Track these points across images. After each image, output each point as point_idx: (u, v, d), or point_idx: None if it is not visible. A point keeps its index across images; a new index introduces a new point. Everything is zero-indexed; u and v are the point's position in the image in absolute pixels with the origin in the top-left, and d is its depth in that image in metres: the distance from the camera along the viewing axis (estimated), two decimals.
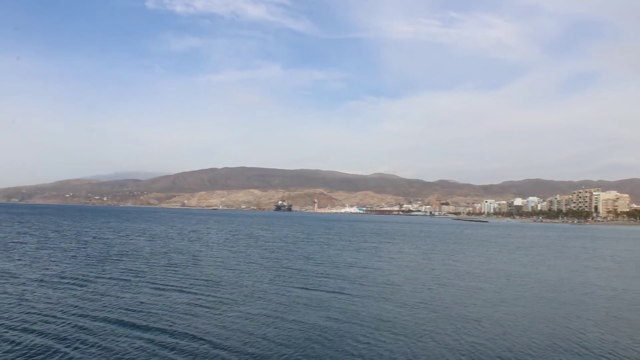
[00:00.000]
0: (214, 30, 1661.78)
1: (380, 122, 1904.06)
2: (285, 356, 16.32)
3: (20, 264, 36.39)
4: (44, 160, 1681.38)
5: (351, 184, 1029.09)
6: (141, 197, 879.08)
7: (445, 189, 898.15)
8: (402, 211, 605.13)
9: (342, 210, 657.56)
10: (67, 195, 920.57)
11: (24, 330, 18.48)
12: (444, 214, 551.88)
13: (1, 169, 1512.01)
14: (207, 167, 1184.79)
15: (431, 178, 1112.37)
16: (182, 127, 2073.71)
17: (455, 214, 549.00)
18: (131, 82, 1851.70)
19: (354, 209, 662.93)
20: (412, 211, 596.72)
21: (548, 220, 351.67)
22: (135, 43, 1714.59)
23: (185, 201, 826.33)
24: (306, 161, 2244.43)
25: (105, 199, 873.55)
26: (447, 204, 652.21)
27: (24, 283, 28.31)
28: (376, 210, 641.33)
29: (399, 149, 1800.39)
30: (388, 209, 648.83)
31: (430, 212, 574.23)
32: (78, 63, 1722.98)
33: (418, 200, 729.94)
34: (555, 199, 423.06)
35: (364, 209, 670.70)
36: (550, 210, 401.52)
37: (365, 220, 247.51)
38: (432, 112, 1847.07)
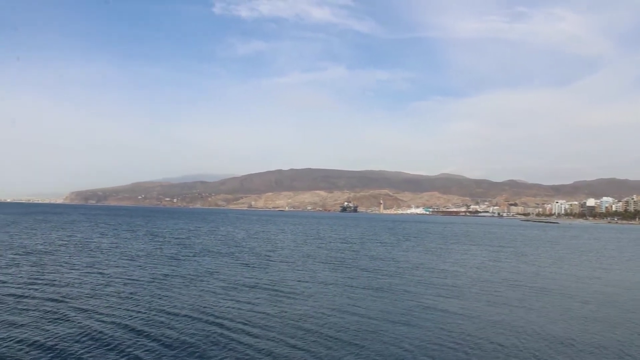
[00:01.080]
0: (278, 34, 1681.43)
1: (446, 121, 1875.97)
2: (354, 354, 17.01)
3: (105, 262, 38.44)
4: (118, 164, 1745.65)
5: (417, 184, 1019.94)
6: (209, 199, 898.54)
7: (514, 189, 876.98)
8: (469, 212, 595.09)
9: (408, 211, 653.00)
10: (140, 197, 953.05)
11: (112, 323, 19.89)
12: (513, 215, 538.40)
13: (79, 172, 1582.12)
14: (274, 169, 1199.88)
15: (499, 178, 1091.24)
16: (248, 130, 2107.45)
17: (524, 215, 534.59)
18: (199, 87, 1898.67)
19: (420, 210, 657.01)
20: (480, 212, 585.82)
21: (624, 221, 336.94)
22: (203, 48, 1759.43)
23: (252, 202, 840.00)
24: (371, 162, 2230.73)
25: (175, 200, 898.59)
26: (515, 204, 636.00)
27: (110, 279, 30.05)
28: (442, 211, 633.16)
29: (465, 149, 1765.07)
30: (454, 210, 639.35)
31: (498, 213, 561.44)
32: (148, 69, 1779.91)
33: (485, 201, 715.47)
34: (632, 199, 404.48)
35: (430, 210, 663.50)
36: (626, 211, 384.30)
37: (431, 222, 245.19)
38: (500, 111, 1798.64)
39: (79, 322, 19.64)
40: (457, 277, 36.53)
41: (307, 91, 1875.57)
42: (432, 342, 18.30)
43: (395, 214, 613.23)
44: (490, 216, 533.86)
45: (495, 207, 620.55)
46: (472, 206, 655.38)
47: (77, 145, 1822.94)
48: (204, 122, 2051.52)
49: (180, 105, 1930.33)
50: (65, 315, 20.76)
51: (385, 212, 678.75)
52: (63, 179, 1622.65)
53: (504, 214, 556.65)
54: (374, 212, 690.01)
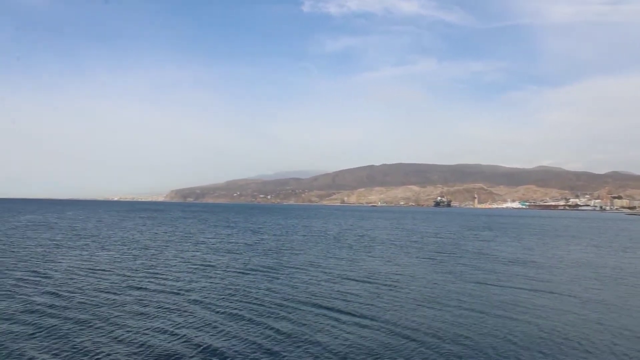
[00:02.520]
0: (367, 29, 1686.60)
1: (542, 112, 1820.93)
2: (452, 343, 17.72)
3: (212, 256, 40.37)
4: (214, 162, 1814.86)
5: (512, 178, 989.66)
6: (303, 195, 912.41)
7: (618, 181, 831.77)
8: (569, 206, 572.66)
9: (504, 206, 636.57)
10: (235, 194, 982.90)
11: (228, 313, 21.37)
12: (617, 209, 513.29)
13: (178, 171, 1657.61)
14: (366, 165, 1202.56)
15: (601, 170, 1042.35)
16: (340, 126, 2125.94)
17: (629, 208, 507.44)
18: (290, 85, 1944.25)
19: (516, 204, 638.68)
20: (580, 206, 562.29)
21: None
22: (293, 46, 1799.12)
23: (345, 198, 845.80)
24: (465, 155, 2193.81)
25: (269, 197, 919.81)
26: (619, 197, 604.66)
27: (221, 272, 31.78)
28: (540, 205, 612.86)
29: (563, 140, 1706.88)
30: (553, 203, 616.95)
31: (601, 207, 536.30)
32: (242, 69, 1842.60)
33: (586, 194, 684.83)
34: None
35: (527, 204, 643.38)
36: None
37: (528, 216, 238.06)
38: (601, 98, 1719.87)
39: (198, 312, 21.36)
40: (555, 273, 35.94)
41: (397, 85, 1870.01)
42: (519, 338, 18.58)
43: (490, 208, 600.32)
44: (591, 210, 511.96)
45: (597, 201, 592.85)
46: (571, 200, 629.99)
47: (175, 145, 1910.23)
48: (296, 120, 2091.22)
49: (272, 103, 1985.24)
50: (184, 305, 22.63)
51: (479, 206, 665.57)
52: (163, 178, 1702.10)
53: (607, 208, 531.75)
54: (467, 206, 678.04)
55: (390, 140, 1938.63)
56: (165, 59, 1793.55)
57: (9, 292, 24.75)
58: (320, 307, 22.73)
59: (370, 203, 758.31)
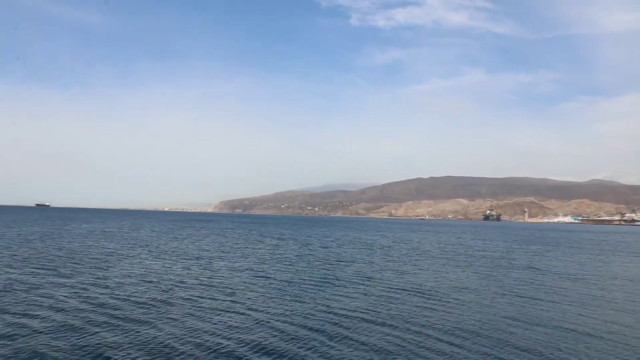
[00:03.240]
0: (415, 41, 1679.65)
1: (596, 123, 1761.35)
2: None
3: (266, 267, 41.38)
4: (263, 174, 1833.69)
5: (564, 191, 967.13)
6: (350, 208, 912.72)
7: None
8: (624, 221, 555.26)
9: (555, 220, 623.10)
10: (283, 206, 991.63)
11: (289, 323, 22.21)
12: None
13: (227, 183, 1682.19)
14: (414, 177, 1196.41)
15: None
16: (387, 138, 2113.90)
17: None
18: (338, 97, 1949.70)
19: (568, 219, 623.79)
20: (637, 221, 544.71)
21: None
22: (341, 59, 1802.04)
23: (393, 211, 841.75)
24: (515, 168, 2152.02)
25: (317, 209, 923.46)
26: None
27: (276, 282, 32.82)
28: (593, 220, 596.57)
29: (619, 152, 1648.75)
30: (607, 218, 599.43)
31: None
32: (289, 82, 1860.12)
33: None
34: None
35: (579, 218, 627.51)
36: None
37: (581, 231, 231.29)
38: None
39: (255, 321, 22.26)
40: (609, 289, 35.75)
41: (446, 97, 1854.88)
42: (568, 354, 18.79)
43: (541, 222, 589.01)
44: None
45: None
46: (627, 214, 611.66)
47: (224, 157, 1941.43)
48: (343, 132, 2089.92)
49: (321, 116, 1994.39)
50: (238, 314, 23.63)
51: (530, 220, 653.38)
52: (212, 189, 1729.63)
53: None
54: (518, 220, 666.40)
55: (438, 152, 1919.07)
56: (213, 71, 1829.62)
57: (78, 294, 26.28)
58: (374, 317, 23.35)
59: (418, 216, 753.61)
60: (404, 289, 31.89)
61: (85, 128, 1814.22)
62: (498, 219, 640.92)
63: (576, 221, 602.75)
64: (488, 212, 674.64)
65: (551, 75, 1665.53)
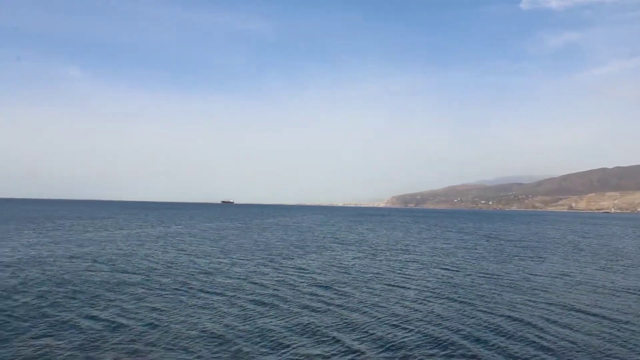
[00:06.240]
0: (594, 20, 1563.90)
1: None
2: None
3: (451, 259, 42.06)
4: (434, 168, 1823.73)
5: None
6: (526, 201, 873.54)
7: None
8: None
9: None
10: (455, 200, 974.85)
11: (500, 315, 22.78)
12: None
13: (399, 178, 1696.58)
14: (596, 167, 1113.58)
15: None
16: (564, 127, 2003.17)
17: None
18: (506, 87, 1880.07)
19: None
20: None
21: None
22: (511, 47, 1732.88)
23: (573, 204, 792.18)
24: None
25: (490, 203, 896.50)
26: None
27: (467, 275, 33.40)
28: None
29: None
30: None
31: None
32: (458, 74, 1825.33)
33: None
34: None
35: None
36: None
37: None
38: None
39: (446, 315, 23.19)
40: None
41: (629, 80, 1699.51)
42: None
43: None
44: None
45: None
46: None
47: (395, 152, 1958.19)
48: (517, 123, 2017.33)
49: (492, 107, 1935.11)
50: (431, 303, 24.70)
51: None
52: (384, 184, 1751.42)
53: None
54: None
55: (625, 140, 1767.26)
56: (381, 68, 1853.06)
57: (283, 277, 29.04)
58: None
59: (602, 209, 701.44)
60: (613, 288, 31.00)
61: (261, 132, 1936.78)
62: None
63: None
64: None
65: None
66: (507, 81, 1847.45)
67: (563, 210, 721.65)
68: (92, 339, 16.70)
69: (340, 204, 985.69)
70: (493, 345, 17.21)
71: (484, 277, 32.72)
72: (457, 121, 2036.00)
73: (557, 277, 33.17)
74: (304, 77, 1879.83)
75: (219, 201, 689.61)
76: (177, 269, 33.46)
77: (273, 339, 17.31)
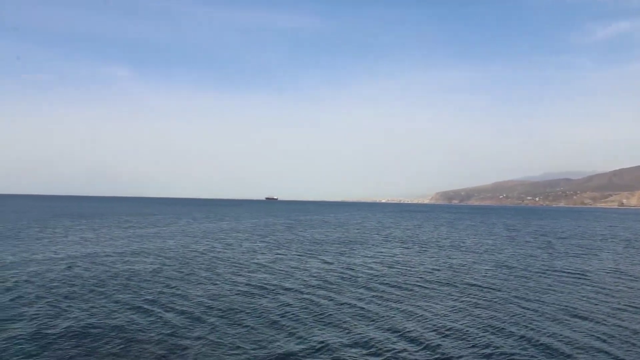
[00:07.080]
0: None
1: None
2: None
3: (501, 256, 41.71)
4: (479, 164, 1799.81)
5: None
6: (574, 197, 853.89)
7: None
8: None
9: None
10: (501, 197, 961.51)
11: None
12: None
13: (443, 174, 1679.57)
14: None
15: None
16: (615, 120, 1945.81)
17: None
18: (552, 81, 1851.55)
19: None
20: None
21: None
22: (556, 39, 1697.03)
23: (624, 200, 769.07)
24: None
25: (537, 199, 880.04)
26: None
27: (524, 271, 33.11)
28: None
29: None
30: None
31: None
32: (500, 69, 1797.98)
33: None
34: None
35: None
36: None
37: None
38: None
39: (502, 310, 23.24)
40: None
41: None
42: None
43: None
44: None
45: None
46: None
47: (439, 148, 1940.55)
48: (564, 117, 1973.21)
49: (538, 101, 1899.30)
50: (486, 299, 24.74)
51: None
52: (429, 180, 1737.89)
53: None
54: None
55: None
56: (422, 64, 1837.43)
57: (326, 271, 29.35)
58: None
59: None
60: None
61: (302, 131, 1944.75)
62: None
63: None
64: None
65: None
66: (554, 74, 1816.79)
67: (613, 207, 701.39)
68: (175, 334, 17.46)
69: (383, 200, 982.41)
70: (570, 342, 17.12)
71: (540, 273, 32.37)
72: (505, 116, 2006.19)
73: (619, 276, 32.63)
74: (343, 74, 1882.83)
75: (262, 197, 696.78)
76: (240, 266, 34.34)
77: (356, 338, 17.66)
